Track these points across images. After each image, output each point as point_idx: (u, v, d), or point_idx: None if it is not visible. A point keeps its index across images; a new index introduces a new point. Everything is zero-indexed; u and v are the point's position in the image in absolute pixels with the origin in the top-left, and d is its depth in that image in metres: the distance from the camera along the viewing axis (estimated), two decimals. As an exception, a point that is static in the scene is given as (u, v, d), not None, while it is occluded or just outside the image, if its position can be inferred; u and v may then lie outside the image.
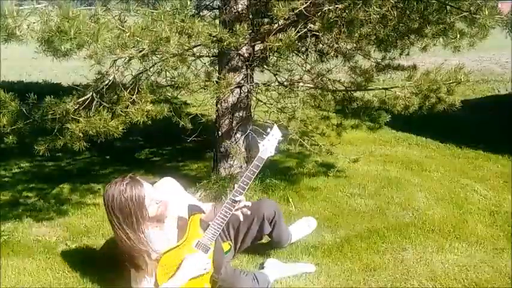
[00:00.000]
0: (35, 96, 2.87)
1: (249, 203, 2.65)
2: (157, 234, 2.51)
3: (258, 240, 2.90)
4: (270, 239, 2.95)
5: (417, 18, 3.22)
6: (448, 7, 2.97)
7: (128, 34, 2.41)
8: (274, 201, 3.06)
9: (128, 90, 3.02)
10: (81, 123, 2.84)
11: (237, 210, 2.60)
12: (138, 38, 2.43)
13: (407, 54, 3.83)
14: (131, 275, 2.52)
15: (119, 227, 2.38)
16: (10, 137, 2.89)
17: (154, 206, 2.44)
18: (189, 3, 2.62)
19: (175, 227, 2.59)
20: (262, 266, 2.88)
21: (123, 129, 2.94)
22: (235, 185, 2.59)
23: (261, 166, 2.61)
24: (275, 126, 2.72)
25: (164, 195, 2.52)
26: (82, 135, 2.89)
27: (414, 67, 3.66)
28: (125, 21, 2.76)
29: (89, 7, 2.50)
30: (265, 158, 2.63)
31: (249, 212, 2.64)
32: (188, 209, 2.59)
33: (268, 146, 2.64)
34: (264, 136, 2.67)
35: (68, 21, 2.07)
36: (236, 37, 2.89)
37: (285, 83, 3.89)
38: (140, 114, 2.93)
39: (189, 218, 2.55)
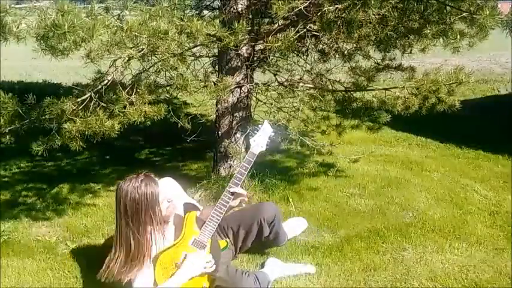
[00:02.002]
0: (34, 96, 2.87)
1: (245, 192, 2.69)
2: (159, 238, 2.50)
3: (258, 242, 2.90)
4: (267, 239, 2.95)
5: (417, 18, 3.21)
6: (448, 7, 2.96)
7: (125, 28, 2.40)
8: (274, 203, 3.07)
9: (127, 91, 3.02)
10: (77, 123, 2.84)
11: (237, 200, 2.65)
12: (135, 33, 2.42)
13: (410, 52, 3.82)
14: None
15: (125, 224, 2.37)
16: (8, 136, 2.89)
17: (166, 204, 2.46)
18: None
19: (172, 225, 2.60)
20: (262, 265, 2.88)
21: (120, 129, 2.94)
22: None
23: (253, 161, 2.67)
24: (266, 121, 2.79)
25: (172, 195, 2.53)
26: (79, 135, 2.89)
27: (412, 69, 3.66)
28: (123, 20, 2.76)
29: (86, 5, 2.49)
30: (256, 153, 2.69)
31: (246, 199, 2.67)
32: (184, 207, 2.60)
33: (260, 141, 2.70)
34: (255, 132, 2.71)
35: (62, 15, 2.06)
36: (235, 35, 2.89)
37: (285, 83, 3.89)
38: (137, 114, 2.94)
39: (184, 215, 2.57)
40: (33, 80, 9.37)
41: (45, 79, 9.06)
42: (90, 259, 3.00)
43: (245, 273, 2.65)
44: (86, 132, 2.88)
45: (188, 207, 2.62)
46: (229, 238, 2.83)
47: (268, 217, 2.81)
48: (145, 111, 2.98)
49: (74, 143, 2.94)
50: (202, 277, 2.50)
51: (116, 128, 2.89)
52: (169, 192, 2.53)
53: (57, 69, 9.33)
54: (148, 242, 2.40)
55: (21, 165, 4.75)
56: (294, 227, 3.20)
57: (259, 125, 2.76)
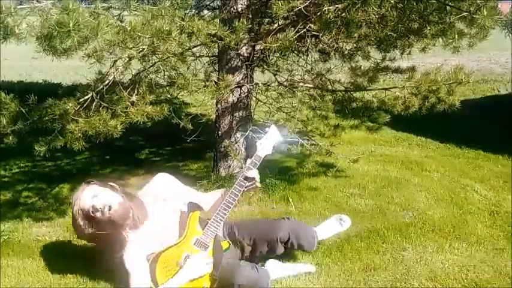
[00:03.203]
0: (35, 97, 2.88)
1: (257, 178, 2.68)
2: (135, 235, 2.51)
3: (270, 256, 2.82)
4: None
5: (417, 18, 3.22)
6: (448, 7, 2.97)
7: (129, 29, 2.42)
8: (289, 220, 2.88)
9: (128, 91, 3.03)
10: (80, 123, 2.85)
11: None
12: (138, 33, 2.43)
13: (409, 53, 3.82)
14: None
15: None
16: (10, 137, 2.90)
17: (160, 203, 2.57)
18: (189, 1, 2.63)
19: (177, 223, 2.61)
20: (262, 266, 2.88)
21: (122, 129, 2.95)
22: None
23: (258, 164, 2.65)
24: (273, 125, 2.77)
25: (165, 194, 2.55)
26: (81, 136, 2.90)
27: (413, 69, 3.66)
28: (124, 20, 2.77)
29: (89, 5, 2.50)
30: (262, 157, 2.67)
31: (258, 185, 2.69)
32: (188, 207, 2.61)
33: (266, 144, 2.68)
34: (262, 135, 2.70)
35: (67, 13, 2.07)
36: (236, 33, 2.89)
37: (285, 83, 3.89)
38: (140, 114, 2.94)
39: (188, 215, 2.57)
40: (33, 80, 9.38)
41: (45, 79, 9.06)
42: (90, 259, 3.00)
43: (243, 262, 2.65)
44: (90, 133, 2.89)
45: (192, 207, 2.63)
46: (237, 246, 2.76)
47: (282, 236, 2.71)
48: (147, 112, 2.98)
49: (77, 143, 2.95)
50: (203, 277, 2.51)
51: (119, 128, 2.90)
52: (160, 190, 2.54)
53: (57, 69, 9.33)
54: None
55: (22, 165, 4.75)
56: (331, 225, 2.99)
57: (266, 129, 2.74)
